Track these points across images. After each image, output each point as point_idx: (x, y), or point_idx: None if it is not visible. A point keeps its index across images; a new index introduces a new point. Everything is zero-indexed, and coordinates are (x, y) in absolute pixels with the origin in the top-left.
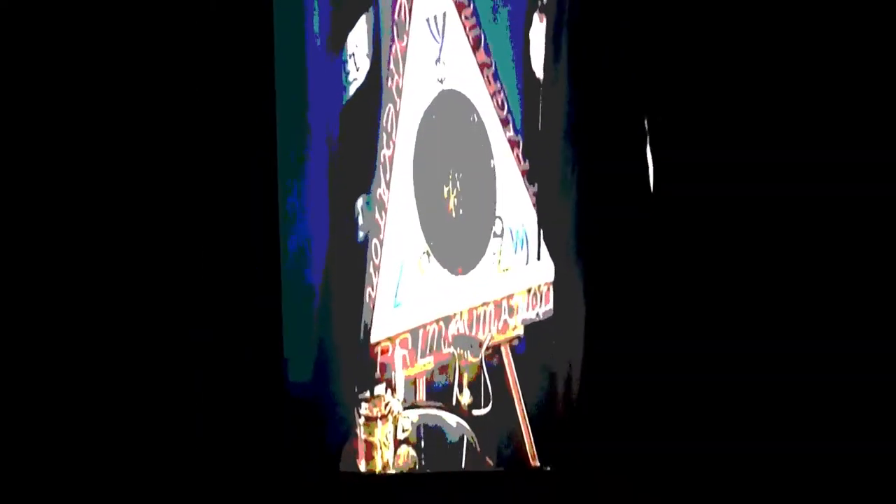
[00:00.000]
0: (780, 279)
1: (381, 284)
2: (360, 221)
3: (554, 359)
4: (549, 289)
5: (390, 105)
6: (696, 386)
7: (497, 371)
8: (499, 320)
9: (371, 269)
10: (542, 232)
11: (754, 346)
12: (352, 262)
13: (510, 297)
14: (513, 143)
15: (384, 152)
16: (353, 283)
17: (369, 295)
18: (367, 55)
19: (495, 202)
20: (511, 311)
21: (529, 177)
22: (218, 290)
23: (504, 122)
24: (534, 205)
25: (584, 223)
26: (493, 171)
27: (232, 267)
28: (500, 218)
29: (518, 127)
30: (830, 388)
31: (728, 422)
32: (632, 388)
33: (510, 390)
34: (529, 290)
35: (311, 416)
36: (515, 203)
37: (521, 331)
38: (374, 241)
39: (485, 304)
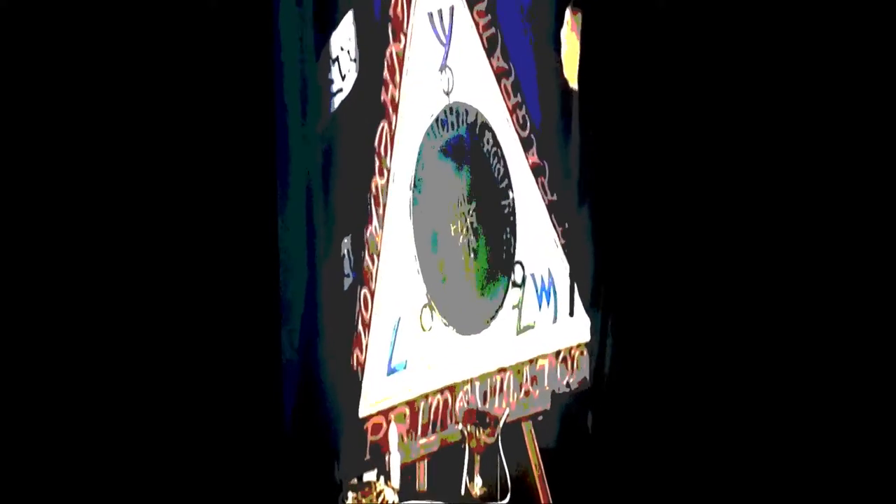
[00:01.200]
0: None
1: (371, 345)
2: (347, 267)
3: (590, 439)
4: (583, 353)
5: (384, 123)
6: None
7: (517, 455)
8: (519, 391)
9: (360, 327)
10: (575, 281)
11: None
12: (336, 317)
13: (533, 362)
14: (537, 170)
15: (376, 181)
16: (337, 344)
17: (357, 359)
18: (354, 59)
19: (515, 244)
20: (535, 379)
21: (558, 213)
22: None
23: (526, 144)
24: (564, 247)
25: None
26: (512, 204)
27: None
28: (520, 263)
29: (544, 150)
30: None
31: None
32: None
33: (534, 480)
34: (558, 354)
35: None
36: (540, 245)
37: (547, 404)
38: (364, 291)
39: (501, 370)
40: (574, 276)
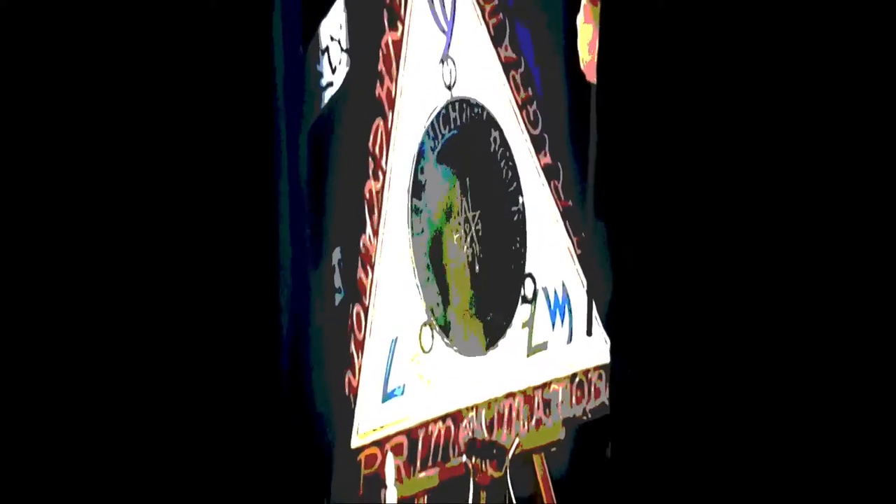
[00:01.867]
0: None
1: (365, 368)
2: (338, 281)
3: (609, 472)
4: (602, 376)
5: (379, 120)
6: None
7: (527, 490)
8: (530, 419)
9: (352, 347)
10: (593, 297)
11: None
12: (325, 336)
13: (546, 386)
14: (550, 173)
15: (371, 185)
16: (327, 367)
17: (349, 383)
18: (346, 50)
19: (525, 255)
20: (547, 406)
21: (573, 220)
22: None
23: (538, 143)
24: (579, 258)
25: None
26: (521, 211)
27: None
28: (531, 276)
29: (557, 150)
30: None
31: None
32: None
33: None
34: (573, 378)
35: None
36: (554, 255)
37: (561, 434)
38: (357, 307)
39: (510, 395)
40: (592, 291)
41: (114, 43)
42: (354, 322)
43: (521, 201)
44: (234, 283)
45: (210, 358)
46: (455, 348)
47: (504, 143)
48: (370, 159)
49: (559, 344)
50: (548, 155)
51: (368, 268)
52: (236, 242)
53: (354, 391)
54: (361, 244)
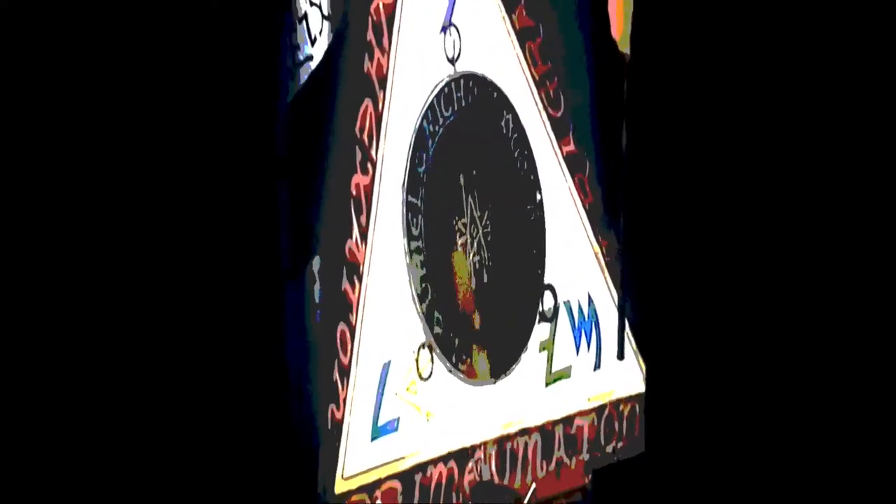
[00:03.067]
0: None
1: (352, 399)
2: (317, 295)
3: None
4: (636, 410)
5: (367, 101)
6: None
7: None
8: (549, 461)
9: (336, 374)
10: (626, 313)
11: None
12: (303, 361)
13: (569, 421)
14: (574, 164)
15: (358, 180)
16: (308, 396)
17: (332, 415)
18: (328, 17)
19: (543, 262)
20: (570, 445)
21: (601, 220)
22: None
23: (559, 128)
24: (608, 265)
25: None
26: (539, 209)
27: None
28: (551, 288)
29: (584, 136)
30: None
31: None
32: None
33: None
34: (601, 412)
35: None
36: (578, 263)
37: (586, 478)
38: (341, 326)
39: (525, 432)
40: (625, 304)
41: (111, 36)
42: (338, 343)
43: (538, 198)
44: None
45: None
46: (460, 375)
47: (518, 128)
48: (357, 148)
49: (584, 370)
50: (571, 142)
51: (355, 278)
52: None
53: (338, 426)
54: (347, 250)
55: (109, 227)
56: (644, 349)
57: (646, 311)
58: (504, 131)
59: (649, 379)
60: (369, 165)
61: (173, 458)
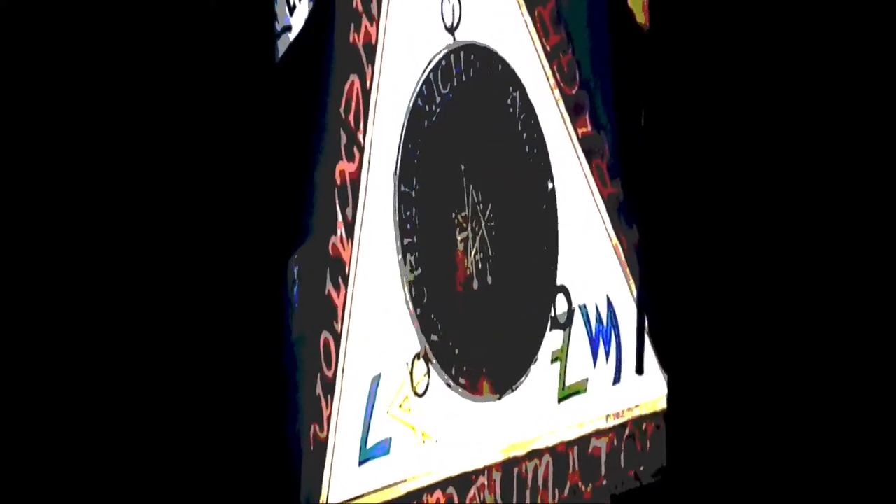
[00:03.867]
0: None
1: (338, 417)
2: (296, 301)
3: None
4: (660, 428)
5: (354, 77)
6: None
7: None
8: (562, 487)
9: (319, 388)
10: (647, 321)
11: None
12: (280, 374)
13: (584, 442)
14: (591, 147)
15: (343, 167)
16: (287, 414)
17: (315, 436)
18: None
19: (556, 261)
20: (586, 468)
21: (622, 212)
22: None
23: (574, 106)
24: (629, 263)
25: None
26: (551, 200)
27: None
28: (564, 290)
29: (603, 117)
30: None
31: None
32: None
33: None
34: (622, 432)
35: None
36: (595, 262)
37: None
38: (324, 335)
39: (534, 454)
40: (644, 311)
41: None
42: (321, 354)
43: (550, 187)
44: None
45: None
46: (460, 390)
47: (527, 108)
48: (342, 131)
49: (603, 384)
50: (588, 123)
51: (340, 280)
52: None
53: (322, 448)
54: (330, 248)
55: (106, 227)
56: (666, 360)
57: (667, 318)
58: (510, 111)
59: (672, 394)
60: (356, 150)
61: (146, 473)
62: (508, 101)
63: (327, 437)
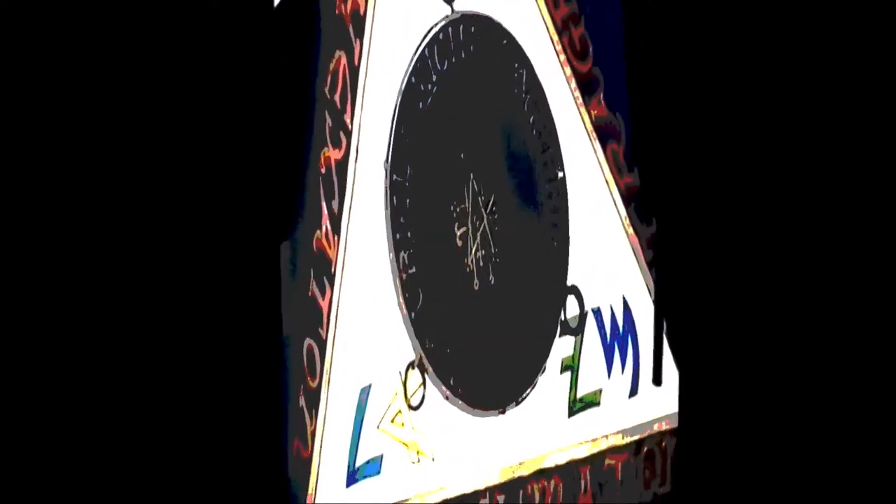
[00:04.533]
0: None
1: (323, 432)
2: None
3: None
4: (678, 444)
5: (340, 54)
6: None
7: None
8: None
9: (302, 400)
10: (664, 324)
11: None
12: (258, 383)
13: (598, 460)
14: (605, 131)
15: (329, 155)
16: (263, 430)
17: (298, 453)
18: None
19: (566, 260)
20: (599, 490)
21: (641, 203)
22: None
23: (587, 86)
24: (650, 264)
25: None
26: (560, 190)
27: None
28: (575, 292)
29: (619, 98)
30: None
31: None
32: None
33: None
34: (639, 448)
35: None
36: (610, 260)
37: None
38: (308, 341)
39: (542, 474)
40: (662, 315)
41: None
42: (305, 362)
43: (559, 176)
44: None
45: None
46: (459, 402)
47: (534, 86)
48: (327, 114)
49: (618, 396)
50: (602, 103)
51: (325, 280)
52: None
53: (305, 466)
54: (314, 245)
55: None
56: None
57: (683, 323)
58: (515, 90)
59: (683, 408)
60: (342, 135)
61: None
62: (513, 80)
63: (311, 455)
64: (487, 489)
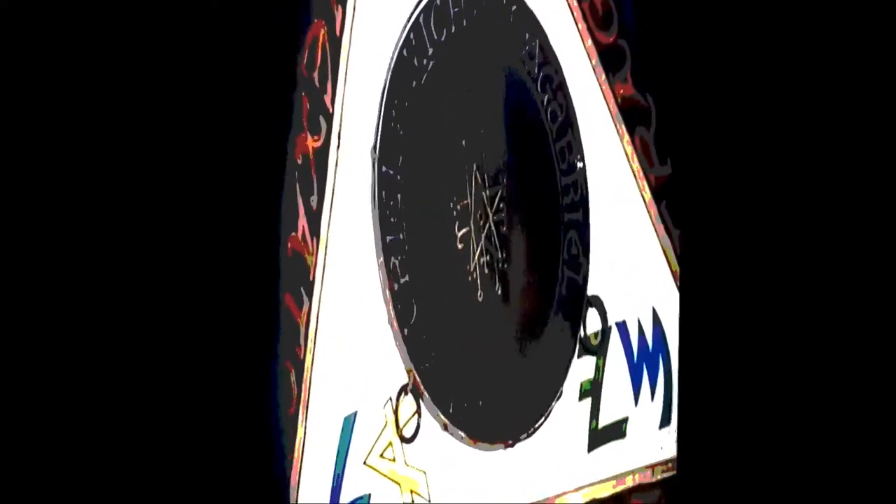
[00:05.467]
0: None
1: (300, 468)
2: None
3: None
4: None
5: (320, 25)
6: None
7: None
8: None
9: (282, 422)
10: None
11: None
12: (230, 411)
13: (623, 501)
14: (633, 114)
15: (307, 142)
16: (236, 462)
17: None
18: None
19: (586, 266)
20: None
21: (673, 199)
22: None
23: (611, 61)
24: (677, 270)
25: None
26: (580, 183)
27: None
28: (596, 303)
29: (649, 75)
30: None
31: None
32: None
33: None
34: (671, 486)
35: None
36: (637, 265)
37: None
38: (284, 361)
39: None
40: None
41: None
42: (283, 384)
43: (579, 166)
44: None
45: None
46: (460, 434)
47: (549, 61)
48: (304, 94)
49: (647, 426)
50: (629, 81)
51: (303, 291)
52: None
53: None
54: (290, 247)
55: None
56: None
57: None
58: (526, 66)
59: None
60: (322, 120)
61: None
62: (524, 53)
63: (288, 493)
64: None
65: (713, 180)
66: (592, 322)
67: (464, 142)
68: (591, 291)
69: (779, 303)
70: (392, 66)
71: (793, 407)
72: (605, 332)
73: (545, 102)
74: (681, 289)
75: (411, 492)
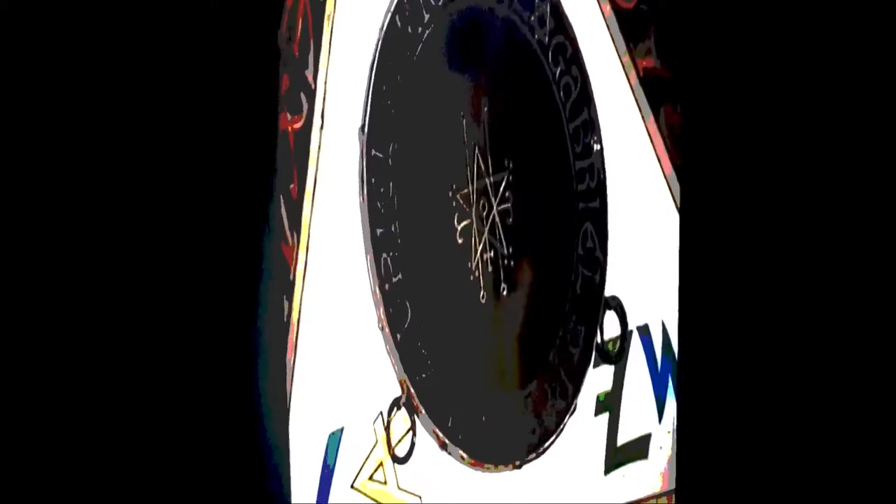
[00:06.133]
0: None
1: (290, 482)
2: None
3: None
4: None
5: None
6: None
7: None
8: None
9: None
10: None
11: None
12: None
13: None
14: (655, 91)
15: (287, 123)
16: (214, 487)
17: None
18: None
19: (604, 264)
20: None
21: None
22: None
23: (631, 30)
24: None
25: None
26: (597, 169)
27: None
28: (615, 305)
29: (675, 46)
30: None
31: None
32: None
33: None
34: None
35: None
36: (661, 264)
37: None
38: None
39: None
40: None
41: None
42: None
43: (595, 149)
44: None
45: None
46: (461, 453)
47: (561, 30)
48: (282, 69)
49: (671, 445)
50: (653, 52)
51: (284, 291)
52: None
53: None
54: (273, 246)
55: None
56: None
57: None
58: (535, 36)
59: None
60: (303, 97)
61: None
62: (533, 21)
63: None
64: None
65: (718, 171)
66: (610, 326)
67: (464, 121)
68: (608, 292)
69: (779, 303)
70: (382, 35)
71: (793, 407)
72: (625, 338)
73: (557, 76)
74: (681, 289)
75: None
